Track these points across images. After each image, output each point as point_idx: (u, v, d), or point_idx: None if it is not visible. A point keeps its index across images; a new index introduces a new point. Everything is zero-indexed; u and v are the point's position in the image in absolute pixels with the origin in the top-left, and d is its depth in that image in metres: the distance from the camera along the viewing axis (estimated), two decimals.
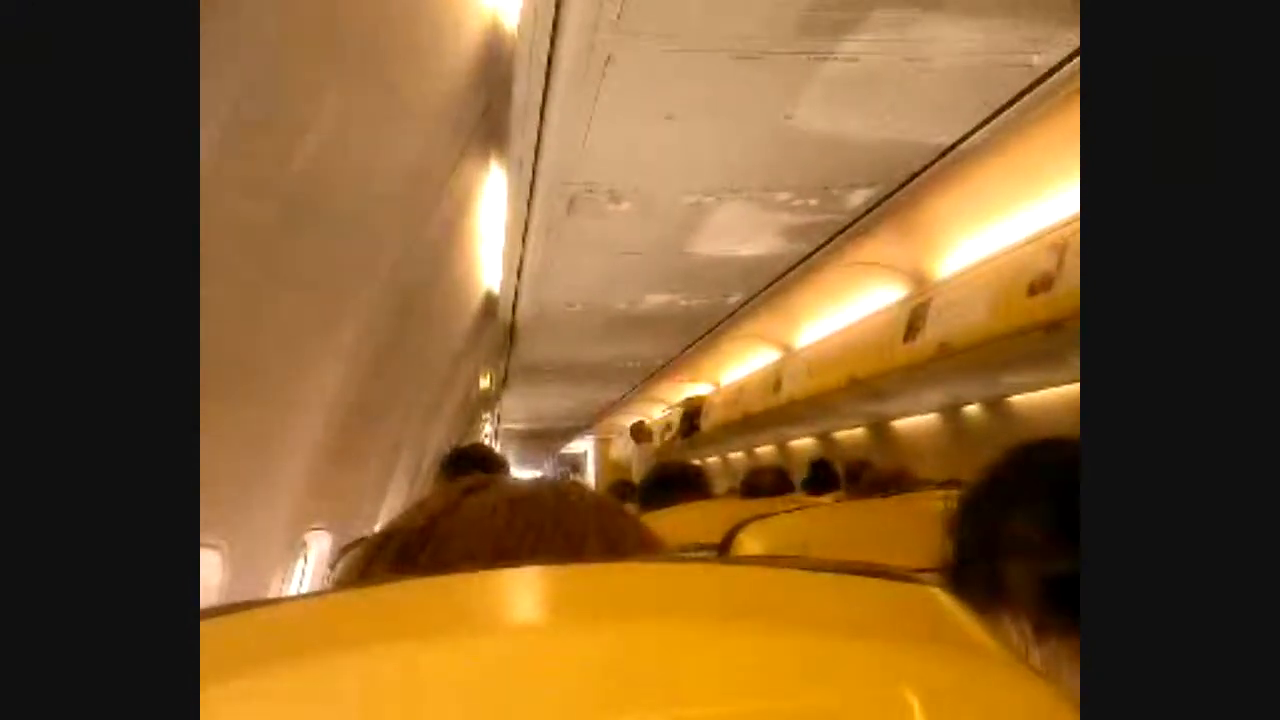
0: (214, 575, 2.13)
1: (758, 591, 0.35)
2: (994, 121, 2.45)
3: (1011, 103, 2.35)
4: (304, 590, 3.12)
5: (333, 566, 2.97)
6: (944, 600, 0.35)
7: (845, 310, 4.74)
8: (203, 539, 2.04)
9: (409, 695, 0.26)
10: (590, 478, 13.56)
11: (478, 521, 0.53)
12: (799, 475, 4.39)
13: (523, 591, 0.36)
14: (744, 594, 0.34)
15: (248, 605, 0.33)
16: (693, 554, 1.82)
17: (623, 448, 7.92)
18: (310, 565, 3.22)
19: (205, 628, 0.31)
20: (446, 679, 0.26)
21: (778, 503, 2.33)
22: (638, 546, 0.57)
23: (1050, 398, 3.90)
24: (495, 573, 0.38)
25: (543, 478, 0.61)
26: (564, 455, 16.05)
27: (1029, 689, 0.29)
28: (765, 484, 3.66)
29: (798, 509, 1.83)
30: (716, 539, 1.40)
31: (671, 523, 2.00)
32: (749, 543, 1.35)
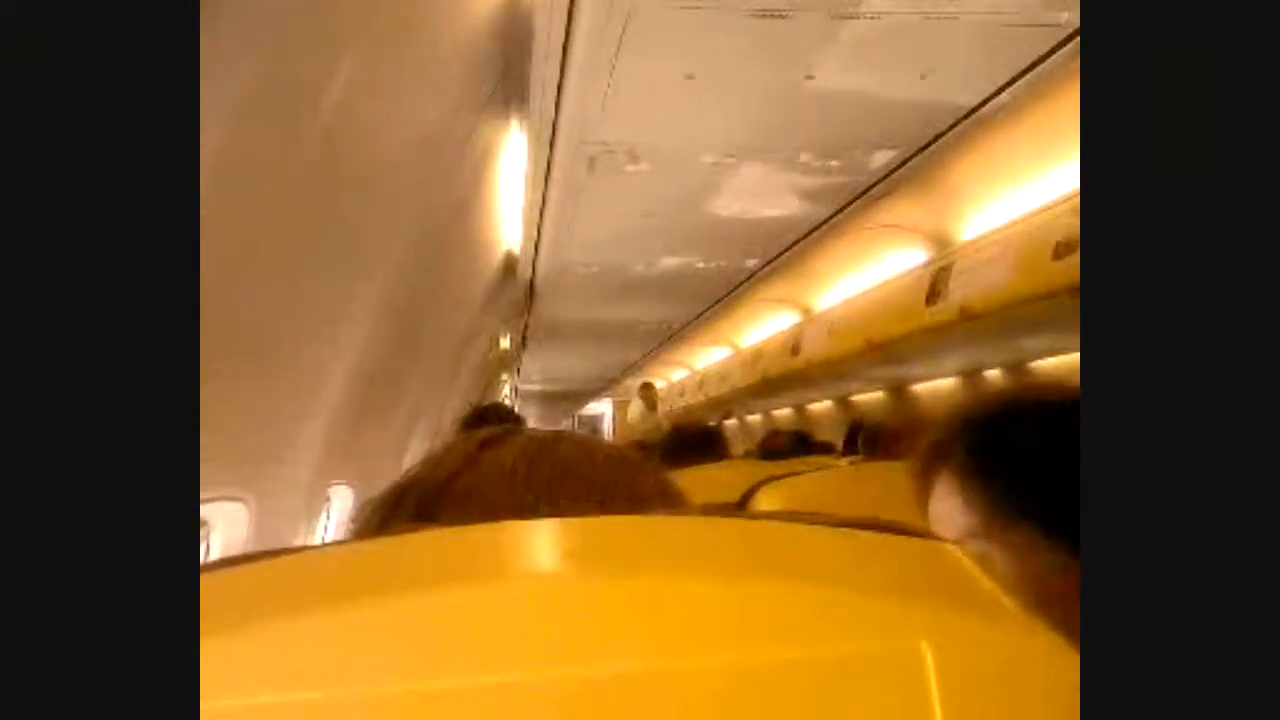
0: (239, 527, 2.16)
1: (774, 546, 0.35)
2: (1019, 82, 2.41)
3: (1037, 63, 2.30)
4: (326, 540, 3.16)
5: (354, 520, 2.99)
6: (958, 557, 0.35)
7: (867, 273, 4.70)
8: (228, 493, 2.07)
9: (430, 639, 0.26)
10: (607, 438, 13.58)
11: (497, 479, 0.53)
12: (819, 438, 4.38)
13: (548, 543, 0.36)
14: (761, 548, 0.35)
15: (269, 554, 0.34)
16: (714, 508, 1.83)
17: (634, 410, 7.89)
18: (333, 518, 3.26)
19: (225, 576, 0.32)
20: (465, 626, 0.27)
21: (795, 464, 2.33)
22: (660, 499, 0.57)
23: (1072, 363, 3.87)
24: (521, 524, 0.38)
25: (563, 430, 0.61)
26: (582, 417, 16.09)
27: (1043, 646, 0.29)
28: (782, 446, 3.66)
29: (815, 470, 1.84)
30: (733, 499, 1.41)
31: (688, 483, 2.00)
32: (765, 503, 1.36)
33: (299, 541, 2.71)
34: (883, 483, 1.43)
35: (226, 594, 0.30)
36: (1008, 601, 0.31)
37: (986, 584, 0.33)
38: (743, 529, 0.38)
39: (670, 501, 0.57)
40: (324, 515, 3.14)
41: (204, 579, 0.31)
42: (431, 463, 0.56)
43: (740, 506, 1.38)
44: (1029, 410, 0.85)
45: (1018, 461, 0.81)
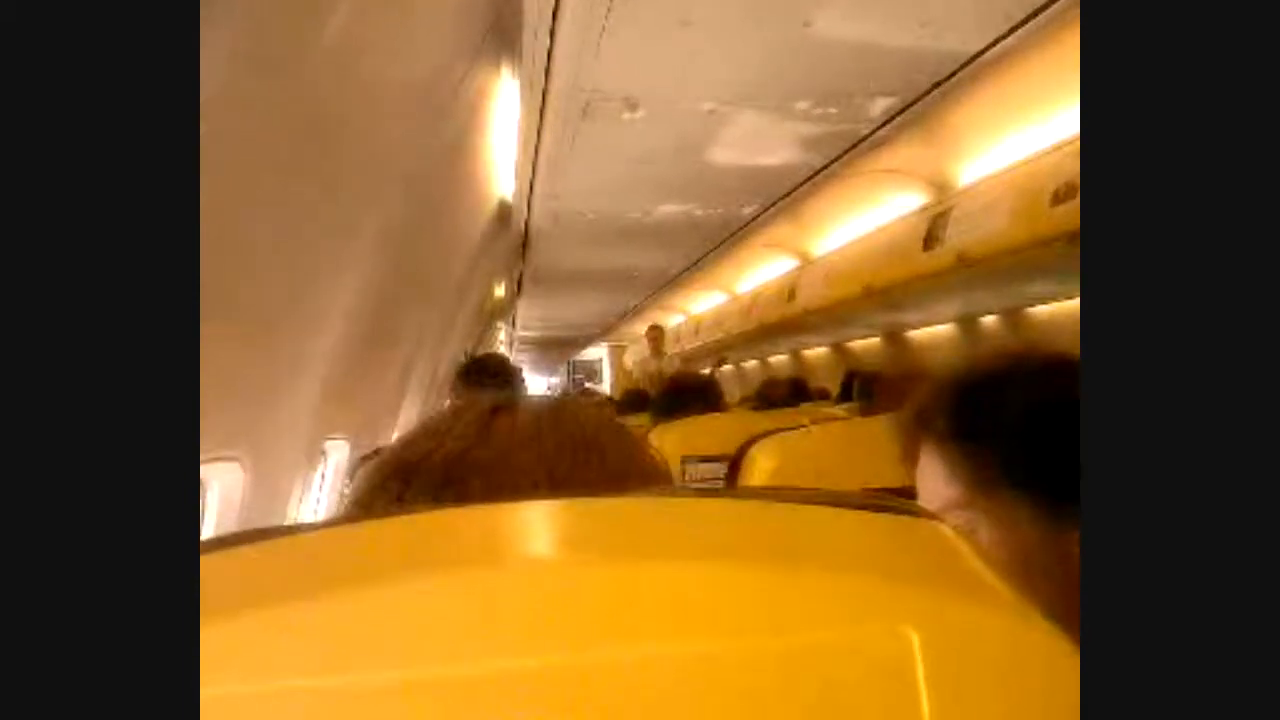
0: (235, 484, 2.16)
1: (760, 528, 0.35)
2: (1021, 29, 2.37)
3: (1038, 11, 2.26)
4: (322, 496, 3.18)
5: (351, 476, 3.01)
6: (948, 536, 0.35)
7: (864, 218, 4.67)
8: (223, 450, 2.07)
9: (421, 627, 0.26)
10: (605, 384, 13.63)
11: (517, 450, 0.53)
12: (815, 384, 4.38)
13: (548, 526, 0.36)
14: (749, 530, 0.34)
15: (264, 533, 0.34)
16: (699, 481, 1.83)
17: (631, 357, 7.79)
18: (329, 473, 3.26)
19: (220, 559, 0.31)
20: (452, 613, 0.27)
21: (790, 414, 2.34)
22: (657, 475, 0.57)
23: (1069, 309, 3.86)
24: (516, 505, 0.39)
25: (561, 398, 0.61)
26: (579, 362, 16.12)
27: (1032, 631, 0.29)
28: (779, 395, 3.67)
29: (811, 423, 1.84)
30: (729, 450, 1.41)
31: (684, 433, 2.01)
32: (760, 458, 1.36)
33: (296, 497, 2.72)
34: (878, 440, 1.44)
35: (222, 578, 0.30)
36: (998, 583, 0.31)
37: (976, 565, 0.32)
38: (729, 510, 0.38)
39: (663, 477, 0.58)
40: (320, 470, 3.14)
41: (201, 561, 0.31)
42: (439, 433, 0.55)
43: (735, 461, 1.38)
44: (1013, 372, 0.83)
45: (1001, 423, 0.79)
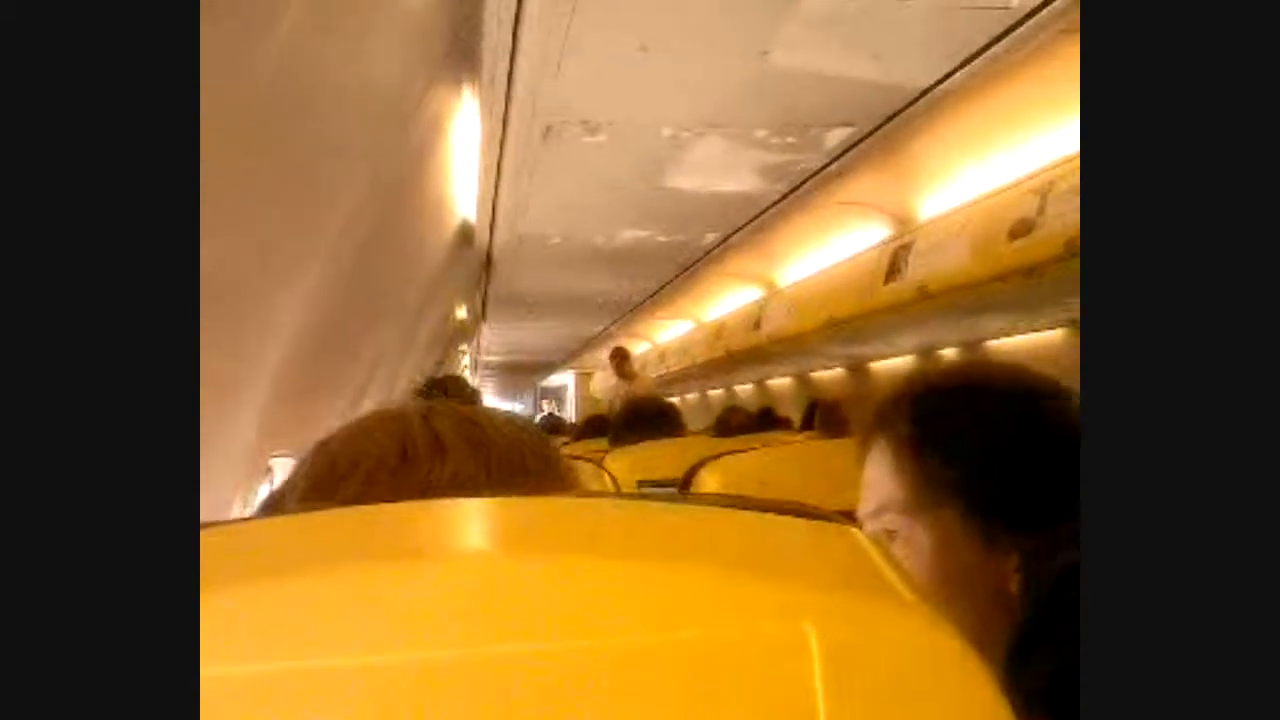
0: None
1: (668, 528, 0.36)
2: (972, 64, 2.40)
3: (989, 45, 2.29)
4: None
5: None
6: (865, 543, 0.35)
7: (828, 250, 4.70)
8: None
9: (349, 616, 0.27)
10: (570, 412, 13.57)
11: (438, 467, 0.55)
12: (779, 413, 4.38)
13: (464, 521, 0.38)
14: (654, 530, 0.35)
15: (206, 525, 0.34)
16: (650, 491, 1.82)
17: (599, 382, 7.71)
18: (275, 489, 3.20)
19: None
20: (397, 600, 0.27)
21: (749, 440, 2.33)
22: (568, 476, 0.60)
23: (1024, 344, 3.89)
24: (447, 502, 0.43)
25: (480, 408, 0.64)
26: (545, 388, 16.06)
27: (937, 637, 0.29)
28: (737, 423, 3.67)
29: (762, 447, 1.83)
30: (679, 475, 1.40)
31: (639, 457, 2.00)
32: (708, 479, 1.35)
33: (236, 513, 2.67)
34: (825, 459, 1.44)
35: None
36: (905, 589, 0.31)
37: (886, 570, 0.32)
38: (639, 511, 0.39)
39: (570, 481, 0.61)
40: (266, 487, 3.09)
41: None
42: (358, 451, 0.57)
43: (685, 483, 1.37)
44: (978, 390, 0.83)
45: (959, 441, 0.80)
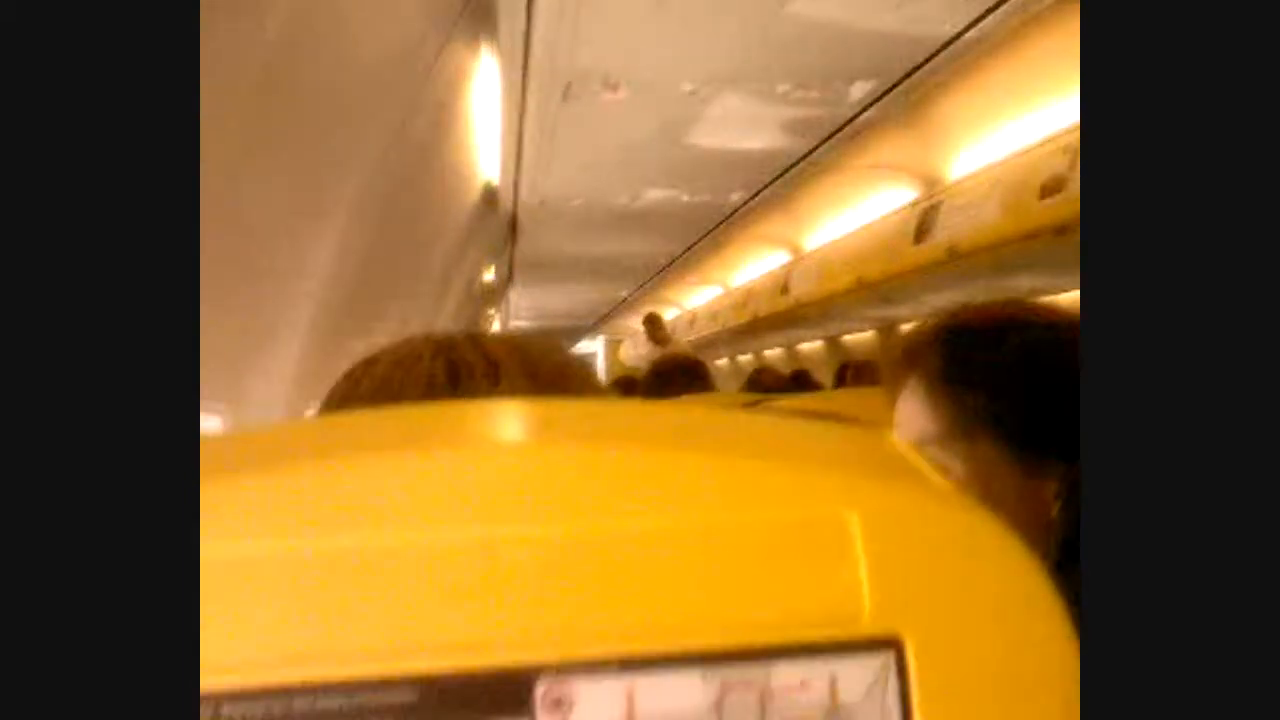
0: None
1: (718, 424, 0.37)
2: (1000, 9, 2.32)
3: None
4: None
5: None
6: (899, 445, 0.36)
7: (856, 212, 4.66)
8: (205, 403, 2.10)
9: (403, 498, 0.27)
10: (601, 378, 13.57)
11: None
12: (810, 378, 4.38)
13: (504, 417, 0.39)
14: (705, 426, 0.37)
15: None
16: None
17: (630, 349, 7.68)
18: None
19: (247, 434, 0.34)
20: (435, 483, 0.28)
21: (777, 398, 2.31)
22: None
23: (1056, 302, 3.82)
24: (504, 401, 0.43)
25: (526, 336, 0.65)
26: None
27: (978, 522, 0.29)
28: (769, 381, 3.68)
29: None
30: None
31: None
32: None
33: None
34: (856, 406, 1.42)
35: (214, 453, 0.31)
36: (945, 483, 0.31)
37: (923, 466, 0.33)
38: (682, 411, 0.41)
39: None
40: None
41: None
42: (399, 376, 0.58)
43: None
44: (1011, 323, 0.83)
45: (993, 373, 0.80)
